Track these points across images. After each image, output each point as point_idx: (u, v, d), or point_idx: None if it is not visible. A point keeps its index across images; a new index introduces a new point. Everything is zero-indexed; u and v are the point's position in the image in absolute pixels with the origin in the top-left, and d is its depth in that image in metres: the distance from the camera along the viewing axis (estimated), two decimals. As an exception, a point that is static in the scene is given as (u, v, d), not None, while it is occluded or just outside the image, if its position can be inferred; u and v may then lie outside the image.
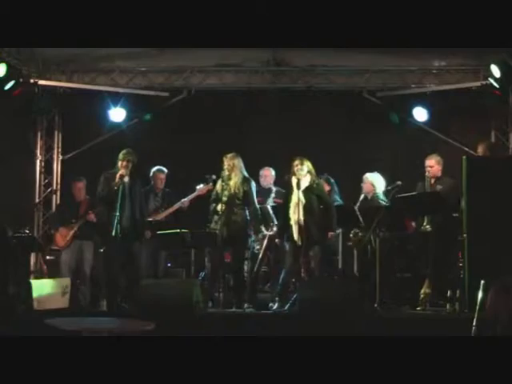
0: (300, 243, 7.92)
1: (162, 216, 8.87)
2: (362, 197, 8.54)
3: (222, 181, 8.16)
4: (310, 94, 9.99)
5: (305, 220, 7.93)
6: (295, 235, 7.93)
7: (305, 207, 7.96)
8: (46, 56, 9.71)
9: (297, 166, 8.06)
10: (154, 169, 9.07)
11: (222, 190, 8.13)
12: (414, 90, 9.94)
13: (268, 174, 9.24)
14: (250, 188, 8.25)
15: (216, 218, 8.20)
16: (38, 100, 9.74)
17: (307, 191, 8.03)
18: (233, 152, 8.25)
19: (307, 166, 8.09)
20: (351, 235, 8.48)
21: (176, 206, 8.90)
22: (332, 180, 9.03)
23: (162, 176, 9.13)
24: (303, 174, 8.05)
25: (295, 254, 8.02)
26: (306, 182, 8.06)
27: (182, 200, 8.87)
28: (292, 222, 7.96)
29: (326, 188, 8.92)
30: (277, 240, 8.56)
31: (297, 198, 7.95)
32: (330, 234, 8.41)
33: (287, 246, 8.13)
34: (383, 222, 7.86)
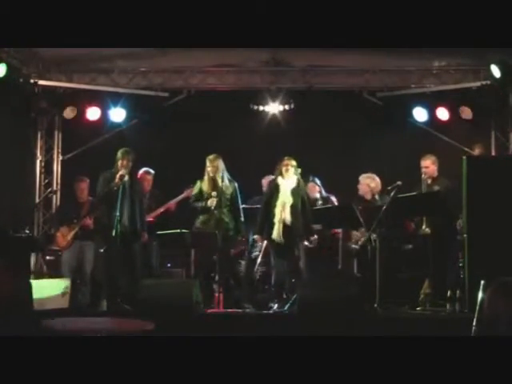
0: (281, 243, 7.92)
1: (150, 217, 8.85)
2: (360, 197, 8.55)
3: (210, 181, 8.18)
4: (310, 94, 10.00)
5: (291, 220, 7.94)
6: (275, 234, 7.93)
7: (292, 207, 7.98)
8: (46, 56, 9.71)
9: (286, 165, 8.09)
10: (141, 170, 9.01)
11: (211, 191, 8.15)
12: (413, 90, 9.95)
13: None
14: (236, 189, 8.30)
15: (202, 217, 8.22)
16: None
17: (294, 191, 8.05)
18: (214, 154, 8.29)
19: (295, 166, 8.11)
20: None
21: (162, 208, 8.92)
22: (318, 181, 9.08)
23: (149, 177, 9.11)
24: (291, 174, 8.07)
25: (279, 254, 8.03)
26: (293, 182, 8.08)
27: (169, 202, 8.92)
28: (276, 221, 7.96)
29: (317, 189, 8.98)
30: (256, 237, 8.52)
31: (285, 197, 7.97)
32: (312, 238, 8.41)
33: (271, 247, 8.14)
34: (383, 222, 7.87)
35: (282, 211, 7.96)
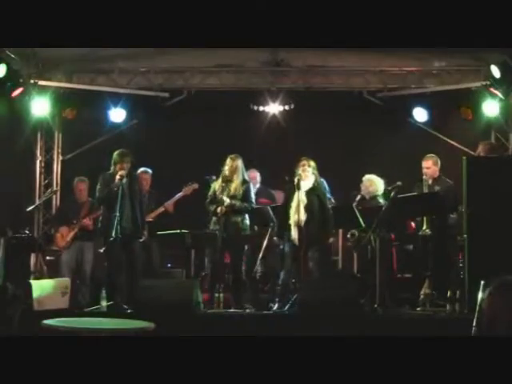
0: (298, 244, 7.93)
1: (149, 217, 8.85)
2: (358, 197, 8.54)
3: (223, 181, 8.16)
4: (310, 94, 10.00)
5: (305, 221, 7.94)
6: (293, 235, 7.95)
7: (306, 208, 7.97)
8: (46, 56, 9.70)
9: (303, 166, 8.08)
10: (139, 170, 8.99)
11: (222, 191, 8.12)
12: (414, 91, 9.95)
13: (255, 176, 9.25)
14: (248, 188, 8.26)
15: (215, 219, 8.20)
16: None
17: (310, 192, 8.05)
18: (235, 154, 8.25)
19: (312, 166, 8.11)
20: (349, 236, 8.49)
21: (160, 208, 8.92)
22: (321, 179, 9.06)
23: (147, 177, 9.11)
24: (309, 174, 8.07)
25: (294, 255, 8.03)
26: (309, 182, 8.08)
27: (166, 203, 8.93)
28: (291, 222, 7.97)
29: None
30: (275, 239, 8.56)
31: (300, 199, 7.96)
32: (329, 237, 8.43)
33: (286, 247, 8.14)
34: (383, 222, 7.87)
35: (296, 213, 7.94)
